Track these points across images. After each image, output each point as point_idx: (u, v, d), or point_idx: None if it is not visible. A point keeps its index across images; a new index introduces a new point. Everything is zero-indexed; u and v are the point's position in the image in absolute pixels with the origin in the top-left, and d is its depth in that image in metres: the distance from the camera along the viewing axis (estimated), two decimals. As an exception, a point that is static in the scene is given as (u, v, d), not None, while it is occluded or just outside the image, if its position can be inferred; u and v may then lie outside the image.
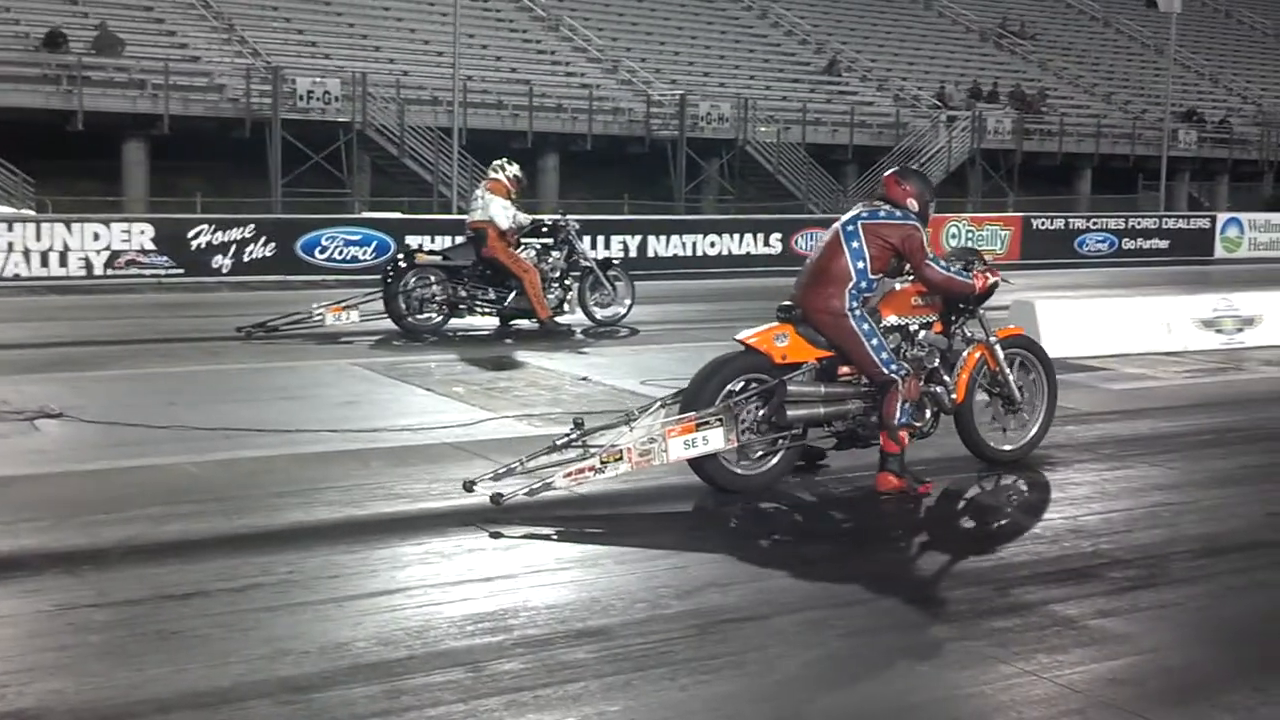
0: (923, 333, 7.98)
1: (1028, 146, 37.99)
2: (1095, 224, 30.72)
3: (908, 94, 38.77)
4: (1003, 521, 7.59)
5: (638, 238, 24.75)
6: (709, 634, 5.34)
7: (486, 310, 14.84)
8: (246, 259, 21.39)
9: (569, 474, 7.06)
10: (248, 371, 12.02)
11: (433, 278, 14.62)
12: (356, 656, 5.03)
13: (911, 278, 7.93)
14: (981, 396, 8.35)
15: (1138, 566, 6.58)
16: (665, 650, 5.15)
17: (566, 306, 15.16)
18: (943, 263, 7.91)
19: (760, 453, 7.58)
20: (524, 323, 14.87)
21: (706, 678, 4.92)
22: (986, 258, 8.48)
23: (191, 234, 21.11)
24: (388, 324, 14.53)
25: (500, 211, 14.50)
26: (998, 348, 8.32)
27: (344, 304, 14.73)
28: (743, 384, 7.53)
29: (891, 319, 7.89)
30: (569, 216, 16.08)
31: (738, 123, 33.86)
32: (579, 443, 7.48)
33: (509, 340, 14.43)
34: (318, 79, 29.23)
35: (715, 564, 6.31)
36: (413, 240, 20.97)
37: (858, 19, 44.07)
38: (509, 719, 4.55)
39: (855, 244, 7.67)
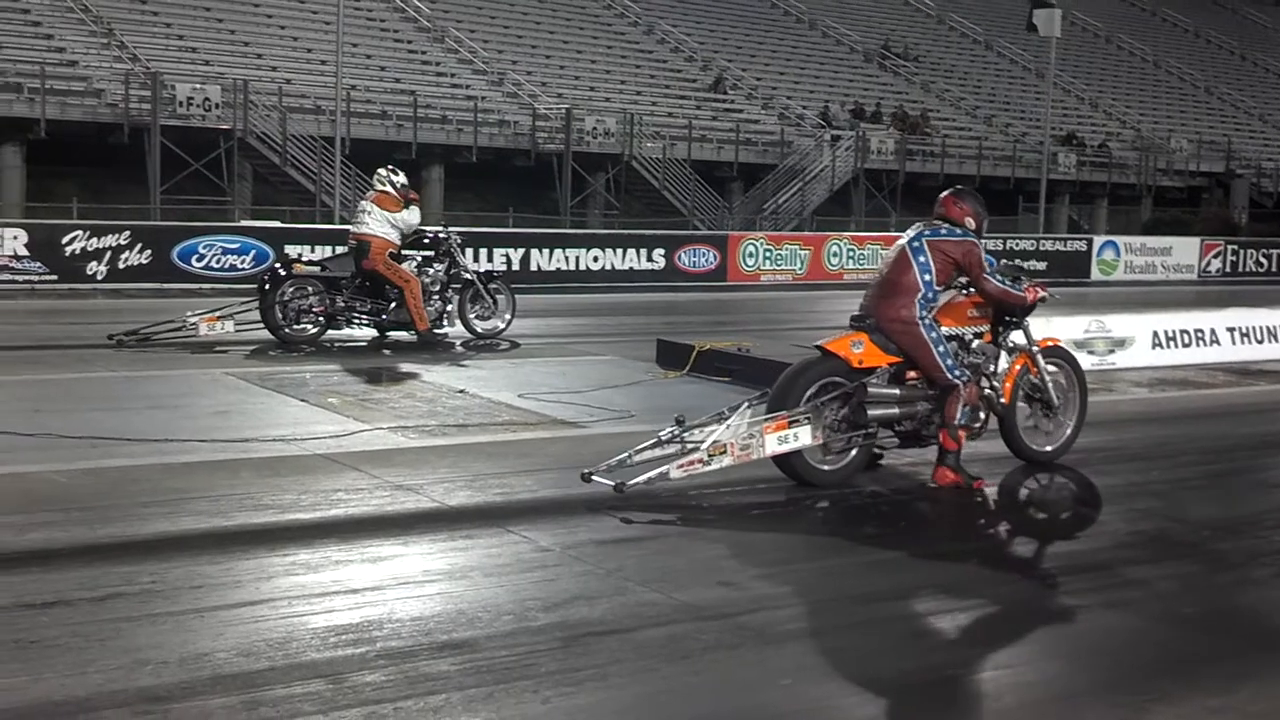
0: (976, 342, 8.67)
1: (910, 167, 38.58)
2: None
3: (792, 113, 39.19)
4: (869, 537, 7.65)
5: (521, 251, 24.75)
6: (574, 647, 5.34)
7: (364, 322, 14.73)
8: (122, 266, 21.05)
9: (680, 465, 7.67)
10: (118, 380, 11.80)
11: (310, 288, 14.47)
12: (217, 667, 4.96)
13: (967, 291, 8.60)
14: (1022, 402, 8.99)
15: (1003, 585, 6.74)
16: (529, 663, 5.14)
17: (446, 320, 15.07)
18: (1000, 276, 8.60)
19: (839, 449, 8.19)
20: (402, 335, 14.76)
21: (569, 690, 4.92)
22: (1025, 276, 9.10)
23: (66, 240, 20.73)
24: (264, 334, 14.34)
25: (387, 228, 14.46)
26: (1039, 357, 9.00)
27: (219, 313, 14.52)
28: (821, 387, 8.14)
29: (950, 329, 8.47)
30: (451, 229, 16.01)
31: (623, 138, 33.99)
32: (679, 439, 7.97)
33: (387, 352, 14.33)
34: (198, 85, 28.87)
35: (584, 577, 6.31)
36: (292, 250, 20.69)
37: (744, 37, 44.49)
38: (368, 731, 4.52)
39: (922, 259, 8.34)
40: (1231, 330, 15.55)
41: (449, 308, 15.13)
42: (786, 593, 6.26)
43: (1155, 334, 14.67)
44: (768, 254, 28.11)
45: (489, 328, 15.55)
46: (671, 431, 8.09)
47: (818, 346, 8.41)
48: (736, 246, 27.77)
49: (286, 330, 14.35)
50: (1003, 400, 8.76)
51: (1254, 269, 35.70)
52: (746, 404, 8.28)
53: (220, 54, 32.13)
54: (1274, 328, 15.91)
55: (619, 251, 26.18)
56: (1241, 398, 13.27)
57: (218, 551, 6.43)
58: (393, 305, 14.63)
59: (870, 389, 8.17)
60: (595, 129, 33.77)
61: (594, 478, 7.71)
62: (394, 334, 14.81)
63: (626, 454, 7.93)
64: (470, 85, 35.32)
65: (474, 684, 4.91)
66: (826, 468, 8.25)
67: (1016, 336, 8.98)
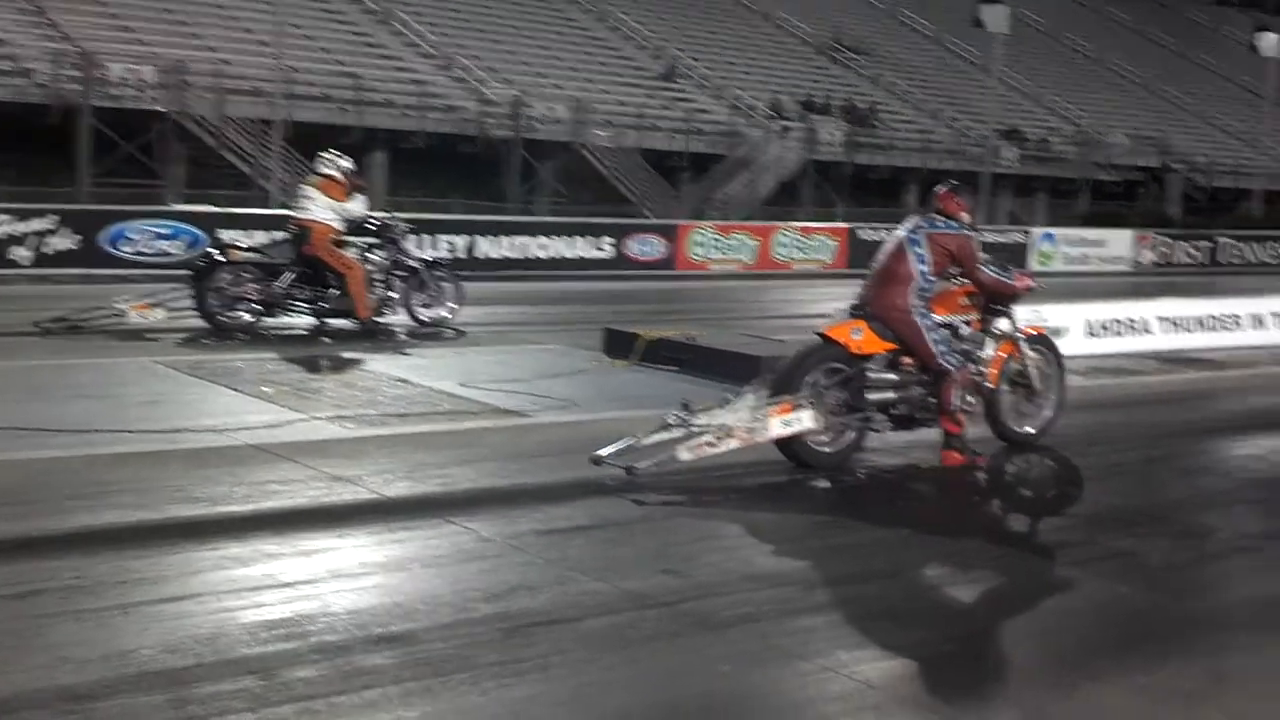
0: (966, 329, 9.06)
1: (858, 159, 38.63)
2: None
3: (743, 103, 39.15)
4: (800, 524, 7.65)
5: (467, 238, 24.55)
6: (514, 638, 5.27)
7: (304, 309, 14.47)
8: (48, 251, 20.57)
9: (689, 448, 7.93)
10: (44, 368, 11.48)
11: (247, 274, 14.18)
12: (142, 664, 4.82)
13: (958, 281, 8.97)
14: (1006, 386, 9.35)
15: (935, 565, 6.79)
16: (469, 655, 5.05)
17: (389, 308, 14.87)
18: (993, 267, 9.02)
19: (837, 432, 8.52)
20: (343, 323, 14.50)
21: (509, 681, 4.84)
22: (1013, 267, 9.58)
23: (-11, 224, 20.25)
24: (197, 322, 14.02)
25: (329, 214, 14.24)
26: (1024, 343, 9.42)
27: (151, 300, 14.17)
28: (823, 372, 8.49)
29: (942, 317, 8.83)
30: (396, 215, 15.80)
31: (573, 125, 33.80)
32: (685, 423, 8.15)
33: (327, 340, 14.08)
34: (132, 65, 28.35)
35: (525, 568, 6.22)
36: (227, 235, 20.38)
37: (695, 26, 44.41)
38: (301, 727, 4.41)
39: (919, 250, 8.72)
40: (1163, 320, 15.72)
41: (393, 295, 14.92)
42: (731, 579, 6.20)
43: (1089, 323, 14.73)
44: (716, 244, 28.07)
45: (434, 316, 15.35)
46: (678, 416, 8.25)
47: (819, 333, 8.76)
48: (685, 236, 27.70)
49: (221, 318, 14.06)
50: (989, 384, 9.13)
51: (1185, 261, 36.11)
52: (749, 388, 8.53)
53: (156, 33, 31.52)
54: (1203, 318, 16.10)
55: (568, 240, 26.04)
56: (1172, 385, 13.46)
57: (144, 545, 6.27)
58: (334, 293, 14.39)
59: (869, 374, 8.56)
60: (545, 116, 33.57)
61: (604, 462, 7.89)
62: (334, 322, 14.55)
63: (633, 439, 8.08)
64: (416, 69, 35.01)
65: (411, 677, 4.82)
66: (827, 450, 8.52)
67: (1003, 324, 9.33)
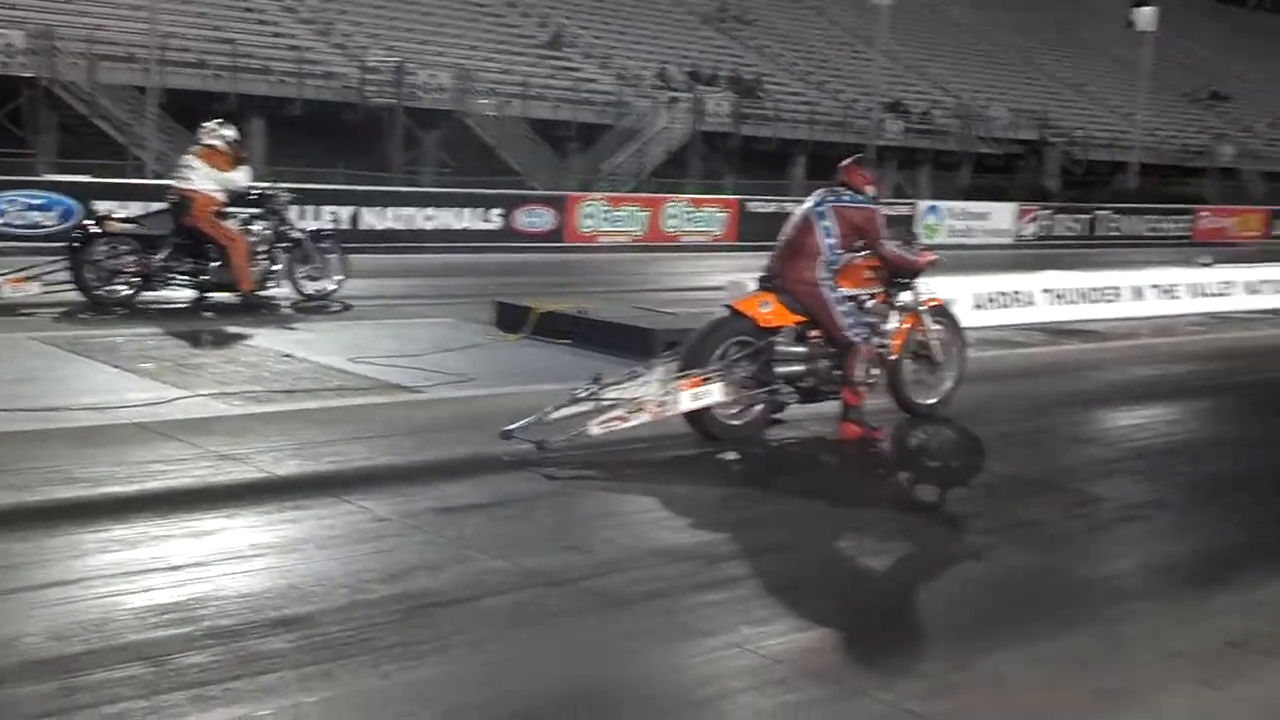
0: (870, 302, 9.13)
1: (745, 131, 38.75)
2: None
3: (630, 73, 39.03)
4: (708, 498, 7.63)
5: (350, 209, 24.08)
6: (414, 618, 5.18)
7: (184, 283, 14.08)
8: (-92, 224, 19.82)
9: (600, 422, 7.91)
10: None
11: (125, 246, 13.75)
12: (26, 652, 4.65)
13: (863, 254, 9.01)
14: (908, 358, 9.48)
15: (841, 537, 6.85)
16: (368, 637, 4.96)
17: (272, 280, 14.56)
18: (896, 241, 9.15)
19: (746, 405, 8.57)
20: (225, 296, 14.15)
21: (411, 663, 4.76)
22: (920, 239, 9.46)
23: None
24: (74, 295, 13.56)
25: (212, 184, 13.89)
26: (926, 316, 9.51)
27: (25, 273, 13.70)
28: (732, 345, 8.53)
29: (848, 290, 8.88)
30: (278, 185, 15.46)
31: (457, 94, 33.43)
32: (594, 397, 8.20)
33: (209, 314, 13.73)
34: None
35: (424, 547, 6.12)
36: (102, 206, 19.76)
37: (581, -5, 44.19)
38: (195, 714, 4.28)
39: (826, 223, 8.77)
40: (1047, 292, 16.01)
41: (276, 268, 14.60)
42: (634, 554, 6.17)
43: (976, 296, 14.91)
44: (606, 215, 27.94)
45: (319, 289, 15.05)
46: (587, 389, 8.29)
47: (727, 306, 8.84)
48: (575, 207, 27.54)
49: (99, 291, 13.62)
50: (892, 356, 9.27)
51: (1066, 233, 36.73)
52: (659, 363, 8.60)
53: (24, -2, 30.60)
54: (1085, 290, 16.42)
55: (455, 211, 25.69)
56: (1057, 357, 13.68)
57: (25, 529, 6.05)
58: (215, 265, 14.02)
59: (778, 347, 8.64)
60: (428, 84, 33.14)
61: (513, 436, 7.83)
62: (216, 295, 14.18)
63: (541, 412, 8.06)
64: (295, 35, 34.35)
65: (310, 661, 4.72)
66: (735, 423, 8.56)
67: (906, 297, 9.41)
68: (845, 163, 9.33)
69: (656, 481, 7.81)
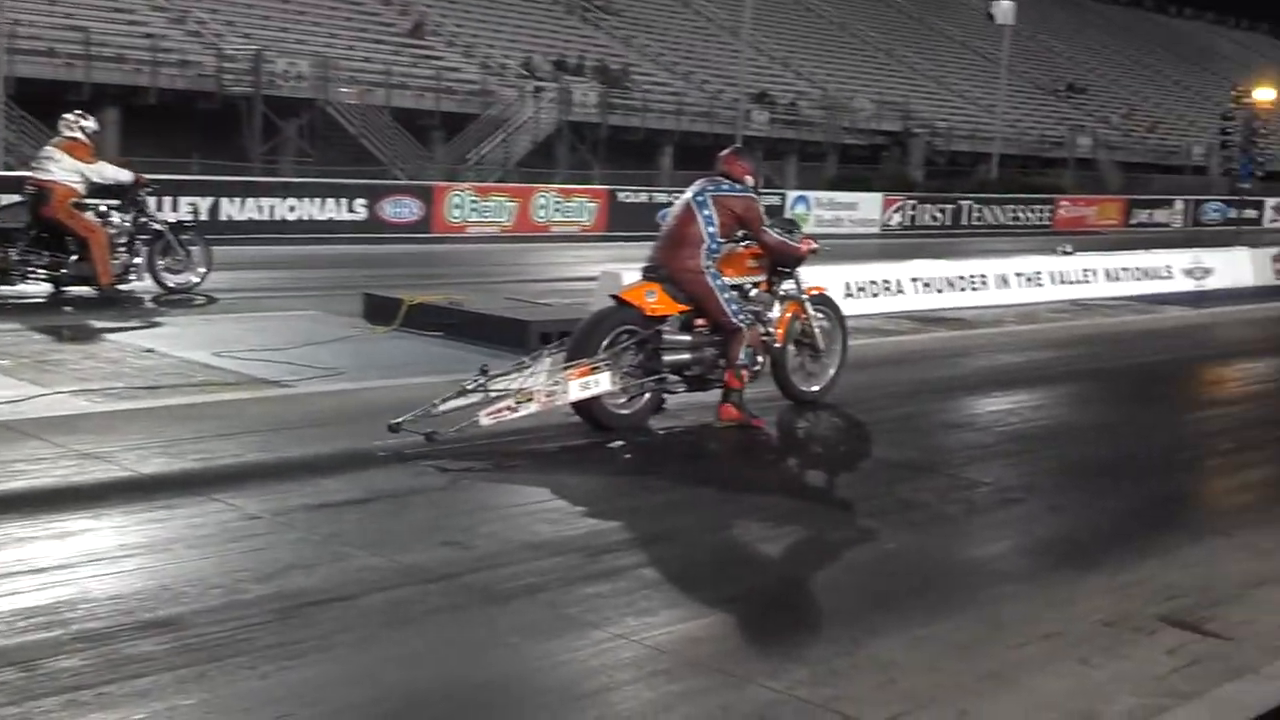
0: (754, 290, 9.27)
1: (613, 121, 38.73)
2: (677, 198, 31.55)
3: (494, 62, 38.78)
4: (596, 488, 7.60)
5: (209, 200, 23.58)
6: (292, 618, 5.07)
7: (41, 276, 13.63)
8: None
9: (489, 413, 7.91)
10: None
11: (-25, 240, 13.34)
12: (-118, 662, 4.45)
13: (745, 244, 9.15)
14: (791, 346, 9.62)
15: (726, 524, 6.87)
16: (244, 638, 4.83)
17: (134, 273, 14.17)
18: (778, 230, 9.21)
19: (634, 394, 8.65)
20: (84, 290, 13.73)
21: (290, 664, 4.66)
22: (803, 228, 9.91)
23: None
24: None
25: (72, 176, 13.48)
26: (808, 304, 9.68)
27: None
28: (619, 334, 8.58)
29: (732, 279, 9.01)
30: (140, 175, 15.05)
31: (318, 82, 32.90)
32: (483, 388, 8.17)
33: (67, 309, 13.28)
34: None
35: (298, 545, 5.99)
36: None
37: (442, -18, 43.75)
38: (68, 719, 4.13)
39: (706, 212, 8.88)
40: (915, 281, 16.24)
41: (137, 260, 14.21)
42: (515, 548, 6.11)
43: (847, 284, 15.05)
44: (474, 206, 27.72)
45: (181, 281, 14.67)
46: (476, 380, 8.26)
47: (614, 296, 8.92)
48: (442, 198, 27.26)
49: (-50, 287, 13.18)
50: (776, 344, 9.39)
51: (930, 223, 37.38)
52: (546, 353, 8.63)
53: None
54: (953, 278, 16.68)
55: (317, 201, 25.28)
56: (927, 344, 13.84)
57: (-123, 531, 5.81)
58: (73, 258, 13.61)
59: (665, 336, 8.74)
60: (287, 72, 32.56)
61: (401, 429, 7.76)
62: (74, 289, 13.78)
63: (429, 404, 8.01)
64: (149, 23, 33.52)
65: (184, 664, 4.58)
66: (624, 411, 8.63)
67: (788, 285, 9.57)
68: (724, 153, 9.44)
69: (543, 472, 7.77)
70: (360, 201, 25.80)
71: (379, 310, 12.55)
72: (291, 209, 24.90)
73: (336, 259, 21.07)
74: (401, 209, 26.38)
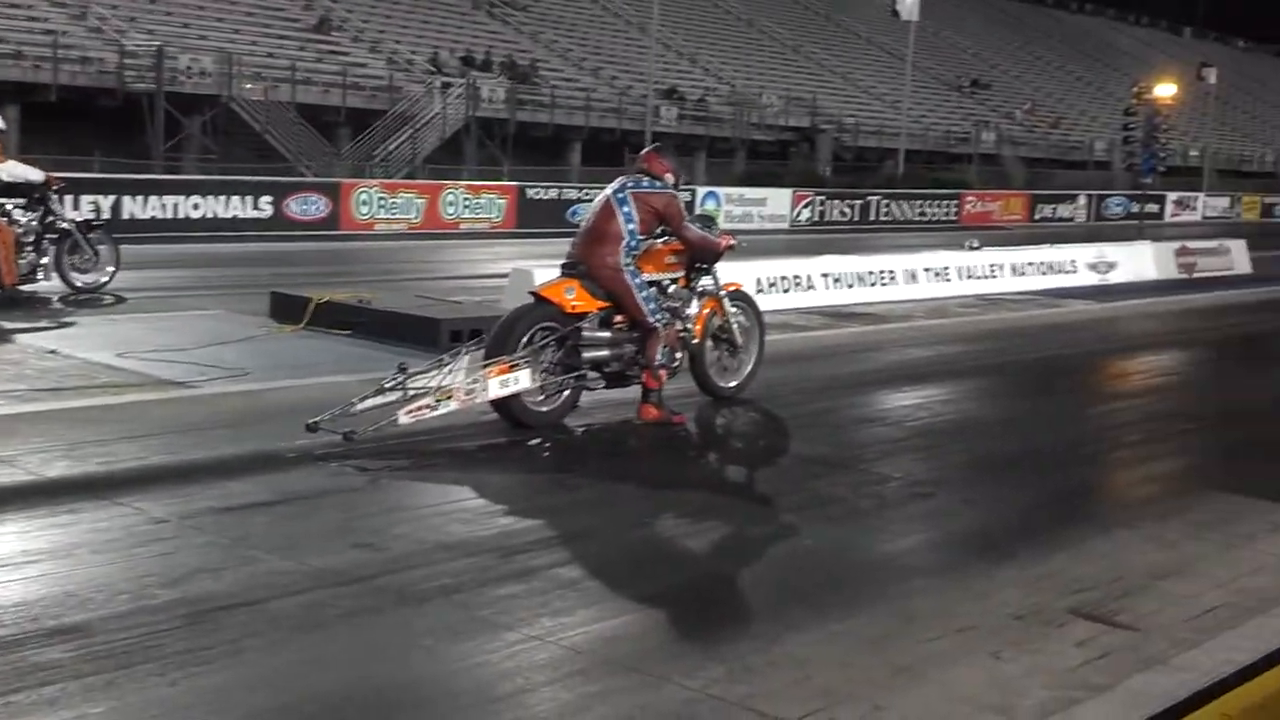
0: (672, 287, 9.31)
1: (521, 117, 38.59)
2: (587, 195, 31.57)
3: (401, 58, 38.47)
4: (514, 486, 7.57)
5: (111, 198, 23.14)
6: (200, 623, 4.98)
7: (-60, 277, 13.33)
8: None
9: (408, 411, 7.89)
10: None
11: (-126, 241, 12.97)
12: None
13: (664, 240, 9.18)
14: (709, 342, 9.69)
15: (644, 522, 6.85)
16: (152, 644, 4.75)
17: (40, 273, 13.85)
18: (697, 226, 9.28)
19: (553, 391, 8.64)
20: (-13, 290, 13.44)
21: (199, 670, 4.58)
22: (719, 224, 9.97)
23: None
24: None
25: None
26: (726, 300, 9.74)
27: None
28: (537, 331, 8.58)
29: (650, 275, 9.04)
30: (51, 175, 14.72)
31: (221, 78, 32.43)
32: (401, 386, 8.13)
33: (-32, 310, 13.02)
34: None
35: (206, 549, 5.89)
36: None
37: (348, -22, 43.30)
38: (-28, 731, 4.04)
39: (626, 209, 8.89)
40: (825, 276, 16.37)
41: (44, 260, 13.92)
42: (429, 549, 6.06)
43: (759, 280, 15.13)
44: (382, 202, 27.47)
45: (90, 281, 14.39)
46: (394, 379, 8.22)
47: (533, 293, 8.92)
48: (349, 195, 26.97)
49: None
50: (694, 340, 9.44)
51: (839, 218, 37.66)
52: (465, 350, 8.60)
53: None
54: (862, 273, 16.82)
55: (222, 199, 24.91)
56: (838, 339, 13.95)
57: None
58: (-26, 258, 13.30)
59: (583, 333, 8.74)
60: (190, 68, 32.07)
61: (320, 428, 7.72)
62: (-24, 290, 13.46)
63: (347, 403, 7.96)
64: (49, 19, 32.85)
65: (92, 671, 4.50)
66: (543, 409, 8.63)
67: (706, 281, 9.64)
68: (645, 151, 9.53)
69: (461, 471, 7.73)
70: (265, 199, 25.47)
71: (286, 309, 12.40)
72: (195, 207, 24.52)
73: (242, 257, 20.80)
74: (308, 206, 26.08)
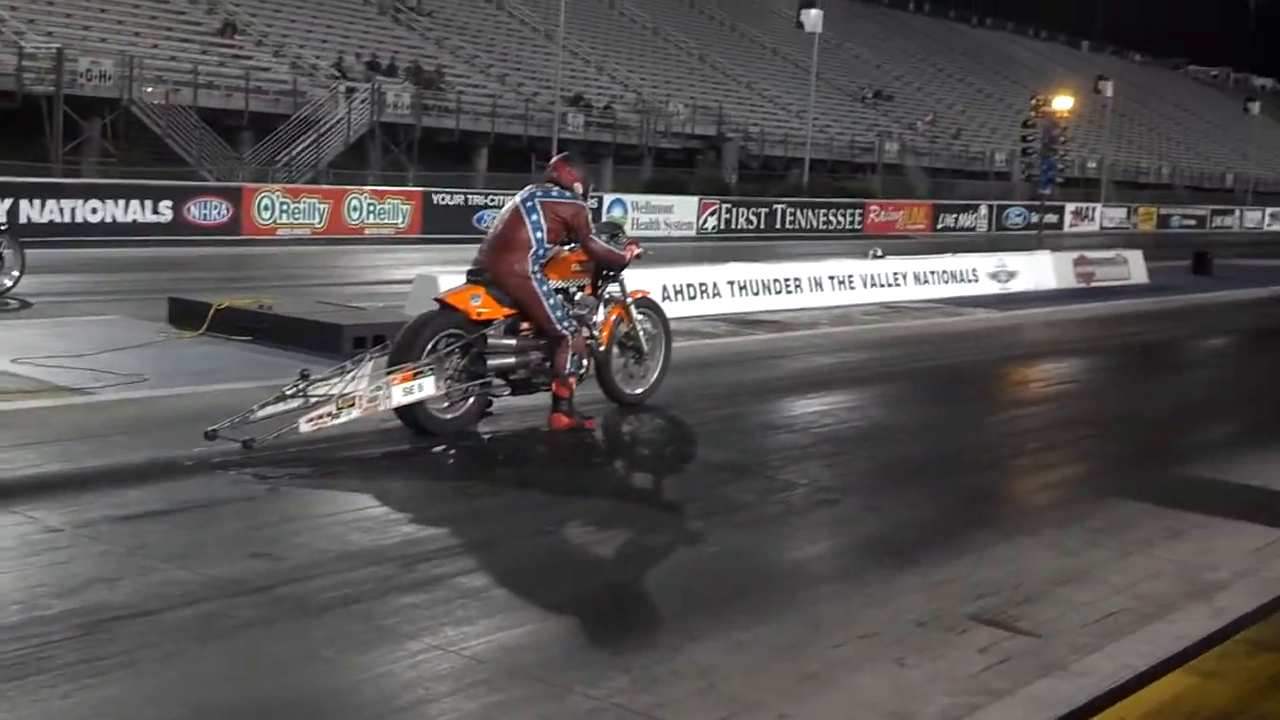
0: (579, 294, 9.34)
1: (426, 122, 38.36)
2: (494, 201, 31.44)
3: (305, 62, 38.09)
4: (418, 494, 7.50)
5: (8, 201, 22.63)
6: (95, 634, 4.88)
7: None
8: None
9: (310, 419, 7.78)
10: None
11: None
12: None
13: (571, 248, 9.17)
14: (616, 349, 9.71)
15: (549, 530, 6.76)
16: (45, 655, 4.65)
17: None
18: (604, 236, 9.36)
19: (459, 398, 8.61)
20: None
21: (93, 681, 4.48)
22: (626, 232, 10.02)
23: None
24: None
25: None
26: (632, 308, 9.81)
27: None
28: (443, 338, 8.53)
29: (556, 283, 9.03)
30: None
31: (122, 81, 31.90)
32: (302, 393, 8.05)
33: None
34: None
35: (101, 558, 5.78)
36: None
37: (252, -19, 42.79)
38: None
39: (535, 217, 8.91)
40: (731, 284, 16.43)
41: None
42: (330, 558, 5.97)
43: (665, 287, 15.13)
44: (285, 207, 27.15)
45: (-6, 286, 14.11)
46: (295, 386, 8.16)
47: (438, 300, 8.89)
48: (251, 199, 26.65)
49: None
50: (601, 348, 9.48)
51: (745, 226, 37.92)
52: (369, 357, 8.55)
53: None
54: (768, 281, 16.92)
55: (122, 203, 24.51)
56: (744, 346, 13.99)
57: None
58: None
59: (489, 340, 8.72)
60: (90, 71, 31.51)
61: (218, 435, 7.62)
62: None
63: (247, 410, 7.87)
64: (-57, 20, 32.15)
65: (-20, 685, 4.37)
66: (448, 416, 8.59)
67: (613, 289, 9.72)
68: (554, 160, 9.52)
69: (364, 479, 7.62)
70: (165, 203, 25.10)
71: (186, 314, 12.20)
72: (94, 211, 24.12)
73: (141, 262, 20.46)
74: (209, 211, 25.72)
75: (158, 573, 5.61)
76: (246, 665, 4.79)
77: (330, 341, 10.76)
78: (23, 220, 22.51)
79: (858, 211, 41.97)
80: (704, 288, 15.97)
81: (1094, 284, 22.63)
